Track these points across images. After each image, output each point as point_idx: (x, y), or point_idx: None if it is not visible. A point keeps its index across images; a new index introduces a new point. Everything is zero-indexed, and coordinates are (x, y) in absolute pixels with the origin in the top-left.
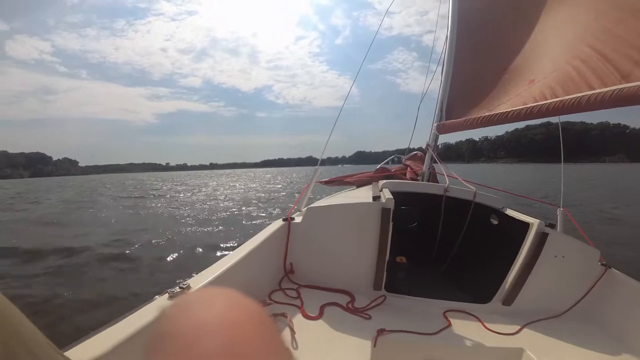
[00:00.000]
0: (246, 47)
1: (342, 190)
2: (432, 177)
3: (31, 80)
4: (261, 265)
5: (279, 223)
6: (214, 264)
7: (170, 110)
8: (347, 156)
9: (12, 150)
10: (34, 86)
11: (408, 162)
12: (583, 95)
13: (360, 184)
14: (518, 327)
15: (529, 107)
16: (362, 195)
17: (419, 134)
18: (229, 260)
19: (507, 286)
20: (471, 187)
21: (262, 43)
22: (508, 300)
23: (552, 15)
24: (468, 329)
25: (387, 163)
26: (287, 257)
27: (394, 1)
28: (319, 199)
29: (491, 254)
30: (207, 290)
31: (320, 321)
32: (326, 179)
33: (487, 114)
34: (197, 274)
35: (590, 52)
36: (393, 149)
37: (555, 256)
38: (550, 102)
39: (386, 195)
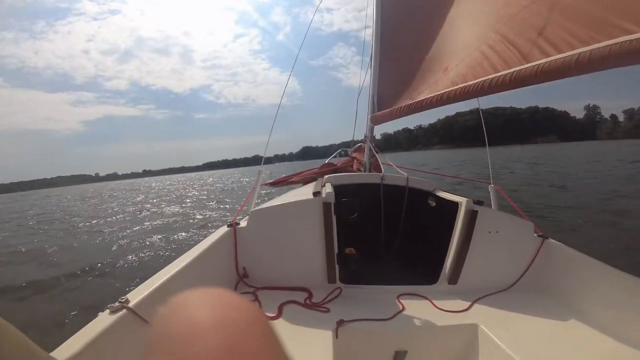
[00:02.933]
0: (177, 47)
1: (289, 190)
2: (376, 167)
3: None
4: (210, 272)
5: (223, 229)
6: (154, 275)
7: (97, 115)
8: (294, 152)
9: None
10: None
11: (354, 155)
12: (486, 79)
13: (306, 181)
14: (468, 304)
15: (440, 94)
16: (306, 192)
17: (362, 126)
18: (171, 269)
19: (449, 265)
20: (404, 173)
21: (196, 42)
22: (453, 279)
23: (463, 6)
24: (421, 310)
25: (334, 157)
26: (237, 261)
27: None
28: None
29: (432, 235)
30: (201, 289)
31: (280, 320)
32: (271, 181)
33: (409, 102)
34: (135, 287)
35: (497, 37)
36: (339, 142)
37: (489, 232)
38: (457, 88)
39: (327, 189)
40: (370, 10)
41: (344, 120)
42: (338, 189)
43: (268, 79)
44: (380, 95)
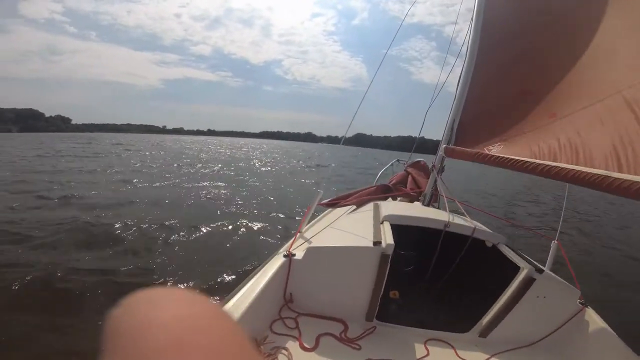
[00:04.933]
0: (260, 20)
1: (344, 212)
2: (434, 196)
3: (39, 40)
4: (263, 296)
5: (280, 259)
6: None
7: (177, 76)
8: (347, 136)
9: (4, 105)
10: (40, 46)
11: (410, 170)
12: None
13: (360, 203)
14: (487, 357)
15: (535, 165)
16: (363, 228)
17: (418, 122)
18: (235, 292)
19: (486, 320)
20: (471, 221)
21: (277, 17)
22: (485, 333)
23: (606, 30)
24: (442, 358)
25: (390, 165)
26: (287, 288)
27: None
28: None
29: (479, 286)
30: (157, 288)
31: (315, 353)
32: (326, 201)
33: (500, 155)
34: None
35: None
36: (394, 135)
37: (538, 297)
38: (560, 168)
39: (387, 237)
40: (463, 7)
41: (403, 114)
42: (396, 228)
43: (336, 61)
44: (463, 122)
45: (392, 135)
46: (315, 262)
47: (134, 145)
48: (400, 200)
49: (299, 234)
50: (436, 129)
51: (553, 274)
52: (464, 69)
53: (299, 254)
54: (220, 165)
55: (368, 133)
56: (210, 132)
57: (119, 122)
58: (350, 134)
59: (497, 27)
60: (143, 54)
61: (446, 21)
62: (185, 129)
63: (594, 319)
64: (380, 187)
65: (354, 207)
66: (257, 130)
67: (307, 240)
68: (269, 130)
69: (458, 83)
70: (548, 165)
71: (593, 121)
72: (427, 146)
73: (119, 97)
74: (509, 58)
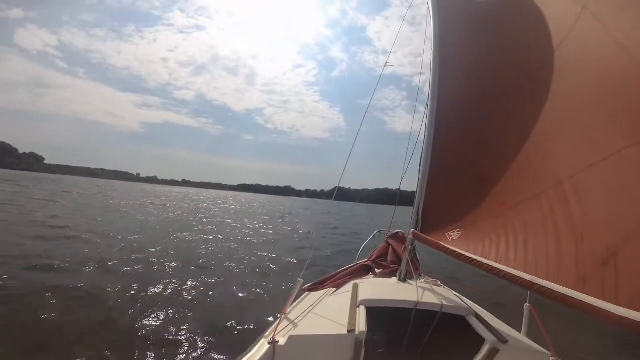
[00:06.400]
0: (245, 68)
1: (324, 294)
2: (411, 273)
3: (28, 71)
4: None
5: (265, 347)
6: None
7: (157, 120)
8: (325, 190)
9: None
10: (29, 77)
11: (390, 241)
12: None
13: (340, 284)
14: None
15: (488, 265)
16: (339, 313)
17: (393, 173)
18: None
19: None
20: (442, 295)
21: (261, 66)
22: None
23: (546, 118)
24: None
25: (372, 237)
26: None
27: (390, 41)
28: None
29: (451, 357)
30: None
31: None
32: (308, 286)
33: (453, 248)
34: None
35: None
36: (372, 188)
37: None
38: (506, 272)
39: (361, 324)
40: (427, 57)
41: (379, 165)
42: (371, 311)
43: (316, 111)
44: (426, 208)
45: (369, 188)
46: (298, 349)
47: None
48: (380, 275)
49: (281, 318)
50: (412, 180)
51: (524, 340)
52: (423, 154)
53: (282, 341)
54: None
55: (346, 187)
56: (185, 183)
57: (93, 166)
58: (328, 187)
59: (451, 111)
60: (127, 95)
61: (415, 72)
62: (160, 177)
63: None
64: (360, 266)
65: (335, 289)
66: (235, 183)
67: (290, 324)
68: (247, 183)
69: (420, 165)
70: (489, 265)
71: (535, 214)
72: (406, 199)
73: (97, 137)
74: (465, 142)
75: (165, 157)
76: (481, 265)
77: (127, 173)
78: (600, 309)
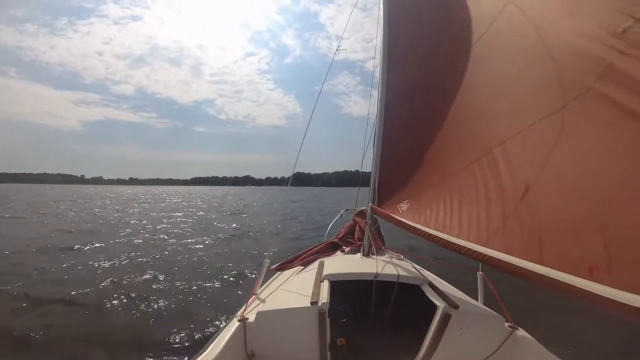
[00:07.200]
0: (190, 59)
1: (293, 272)
2: (373, 246)
3: None
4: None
5: (235, 324)
6: None
7: (98, 117)
8: (286, 177)
9: None
10: None
11: (357, 219)
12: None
13: (308, 262)
14: None
15: (430, 234)
16: (305, 289)
17: (352, 155)
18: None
19: (420, 358)
20: (397, 269)
21: (209, 56)
22: None
23: (478, 90)
24: None
25: (340, 216)
26: (247, 346)
27: (343, 27)
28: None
29: (411, 326)
30: None
31: None
32: (275, 266)
33: (401, 219)
34: None
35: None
36: (332, 171)
37: (461, 328)
38: (445, 239)
39: (324, 296)
40: (379, 42)
41: (338, 148)
42: (335, 284)
43: (271, 99)
44: (381, 182)
45: (329, 172)
46: (266, 324)
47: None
48: (348, 252)
49: (252, 297)
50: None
51: (478, 305)
52: (375, 133)
53: (252, 317)
54: None
55: (306, 172)
56: (133, 181)
57: (35, 171)
58: (288, 174)
59: (399, 90)
60: (64, 93)
61: (367, 57)
62: (105, 177)
63: (525, 339)
64: (327, 244)
65: (303, 267)
66: (188, 177)
67: (259, 302)
68: (202, 176)
69: (374, 144)
70: (428, 232)
71: (469, 181)
72: (367, 180)
73: (37, 139)
74: (411, 118)
75: (111, 156)
76: (421, 233)
77: (71, 175)
78: (522, 268)
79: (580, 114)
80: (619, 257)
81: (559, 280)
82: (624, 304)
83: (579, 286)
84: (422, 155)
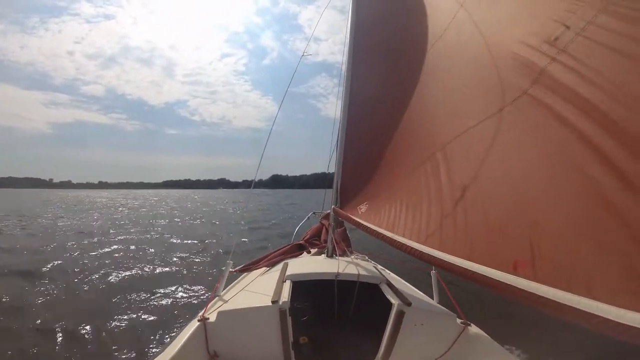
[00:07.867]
0: (161, 59)
1: (258, 274)
2: (337, 247)
3: None
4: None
5: (195, 324)
6: None
7: (67, 119)
8: (263, 179)
9: None
10: None
11: (324, 222)
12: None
13: (273, 264)
14: None
15: (383, 235)
16: (267, 289)
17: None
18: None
19: (380, 354)
20: (357, 270)
21: (181, 56)
22: None
23: (429, 94)
24: None
25: (307, 219)
26: (208, 347)
27: (322, 29)
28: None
29: (372, 323)
30: None
31: None
32: (240, 267)
33: (359, 220)
34: None
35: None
36: (310, 173)
37: (415, 325)
38: (396, 240)
39: (284, 295)
40: (346, 42)
41: (317, 150)
42: (297, 285)
43: (248, 101)
44: (344, 184)
45: (307, 174)
46: (227, 324)
47: None
48: (313, 254)
49: (213, 299)
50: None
51: (431, 302)
52: (339, 135)
53: (212, 317)
54: None
55: (284, 174)
56: (102, 185)
57: (1, 175)
58: (265, 176)
59: (362, 93)
60: (33, 93)
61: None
62: (74, 181)
63: (477, 335)
64: (293, 246)
65: (268, 268)
66: (160, 180)
67: (220, 302)
68: (174, 179)
69: (337, 147)
70: (379, 232)
71: (416, 183)
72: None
73: (3, 142)
74: (370, 121)
75: (79, 159)
76: (374, 233)
77: (39, 179)
78: (445, 261)
79: (514, 117)
80: (541, 252)
81: (483, 275)
82: (541, 297)
83: (501, 280)
84: (380, 158)
